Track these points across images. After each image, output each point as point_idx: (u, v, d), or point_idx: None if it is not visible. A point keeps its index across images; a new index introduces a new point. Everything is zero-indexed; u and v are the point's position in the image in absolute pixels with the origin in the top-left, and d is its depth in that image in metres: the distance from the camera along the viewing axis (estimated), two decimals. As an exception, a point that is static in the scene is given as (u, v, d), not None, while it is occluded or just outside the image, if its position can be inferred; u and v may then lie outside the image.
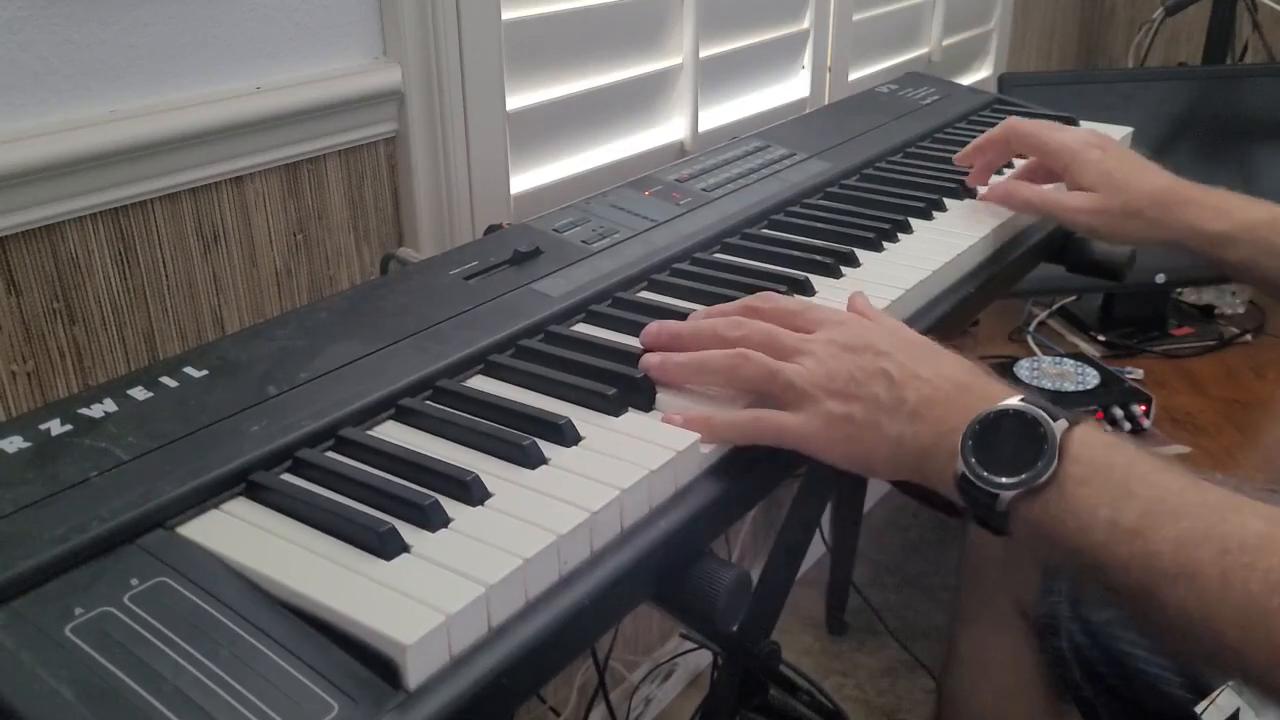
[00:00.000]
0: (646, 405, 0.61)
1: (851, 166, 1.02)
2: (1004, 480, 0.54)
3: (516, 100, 1.05)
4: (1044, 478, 0.53)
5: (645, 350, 0.64)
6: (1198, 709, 0.89)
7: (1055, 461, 0.53)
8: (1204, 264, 0.88)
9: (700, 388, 0.62)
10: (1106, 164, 0.88)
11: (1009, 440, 0.55)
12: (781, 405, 0.60)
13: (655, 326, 0.65)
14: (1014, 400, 0.56)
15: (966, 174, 0.98)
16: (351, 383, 0.60)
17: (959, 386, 0.58)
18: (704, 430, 0.57)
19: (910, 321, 0.77)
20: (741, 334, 0.62)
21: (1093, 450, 0.54)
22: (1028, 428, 0.54)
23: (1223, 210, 0.86)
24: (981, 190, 0.95)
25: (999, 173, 1.00)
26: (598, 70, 1.15)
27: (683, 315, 0.71)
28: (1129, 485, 0.52)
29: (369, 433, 0.57)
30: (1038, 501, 0.53)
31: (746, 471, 0.59)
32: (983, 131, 1.15)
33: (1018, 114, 1.23)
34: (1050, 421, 0.54)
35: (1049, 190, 0.91)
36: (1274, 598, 0.47)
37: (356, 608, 0.43)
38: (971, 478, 0.55)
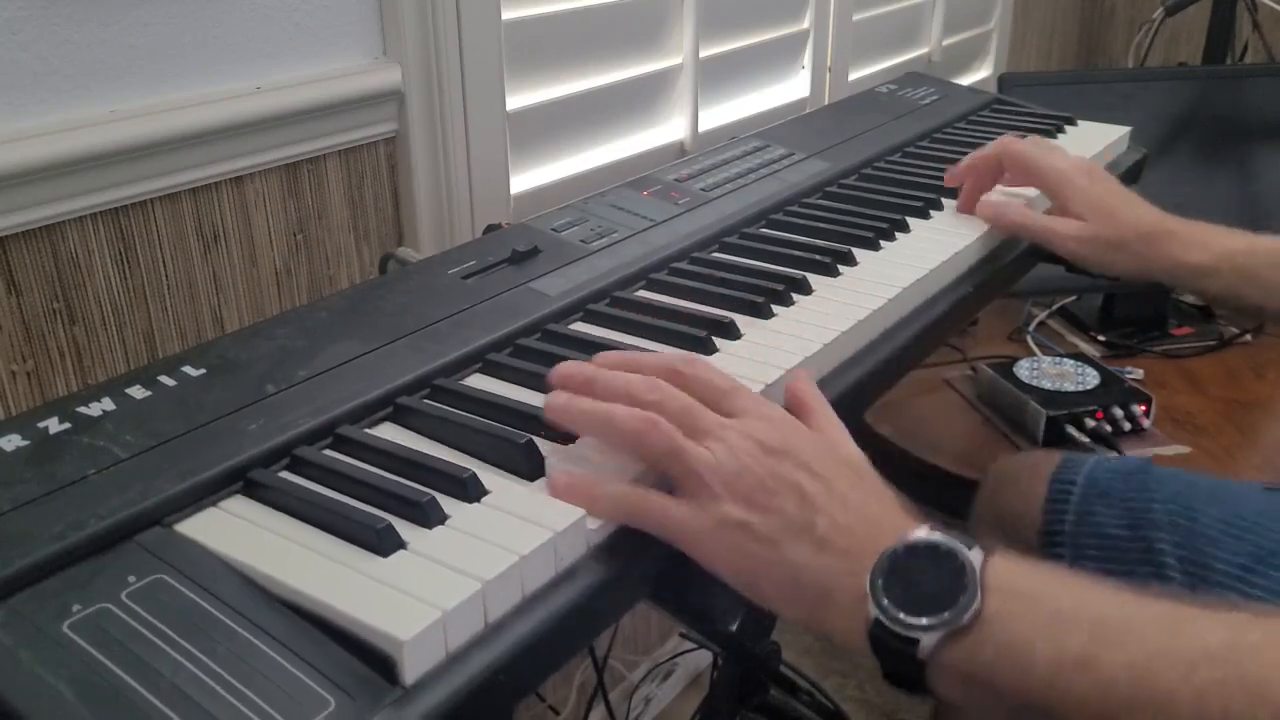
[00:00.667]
0: (532, 473, 0.54)
1: (850, 166, 1.02)
2: (924, 622, 0.48)
3: (516, 100, 1.05)
4: (968, 615, 0.47)
5: (553, 388, 0.58)
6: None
7: (978, 595, 0.48)
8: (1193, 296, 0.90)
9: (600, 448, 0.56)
10: (1095, 192, 0.88)
11: (923, 579, 0.49)
12: (679, 490, 0.53)
13: (570, 366, 0.58)
14: (924, 531, 0.50)
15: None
16: (350, 381, 0.60)
17: (872, 520, 0.52)
18: (585, 500, 0.51)
19: (910, 321, 0.77)
20: (656, 399, 0.55)
21: (1016, 578, 0.49)
22: (942, 561, 0.49)
23: (1203, 242, 0.86)
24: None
25: None
26: (598, 70, 1.15)
27: (681, 314, 0.71)
28: (1063, 611, 0.47)
29: (367, 431, 0.57)
30: (964, 644, 0.48)
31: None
32: (982, 131, 1.16)
33: (1017, 114, 1.23)
34: (966, 551, 0.49)
35: (1038, 215, 0.90)
36: (1259, 711, 0.43)
37: (353, 604, 0.43)
38: (886, 622, 0.48)
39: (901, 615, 0.48)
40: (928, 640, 0.48)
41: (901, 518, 0.53)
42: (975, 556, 0.49)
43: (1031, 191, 0.95)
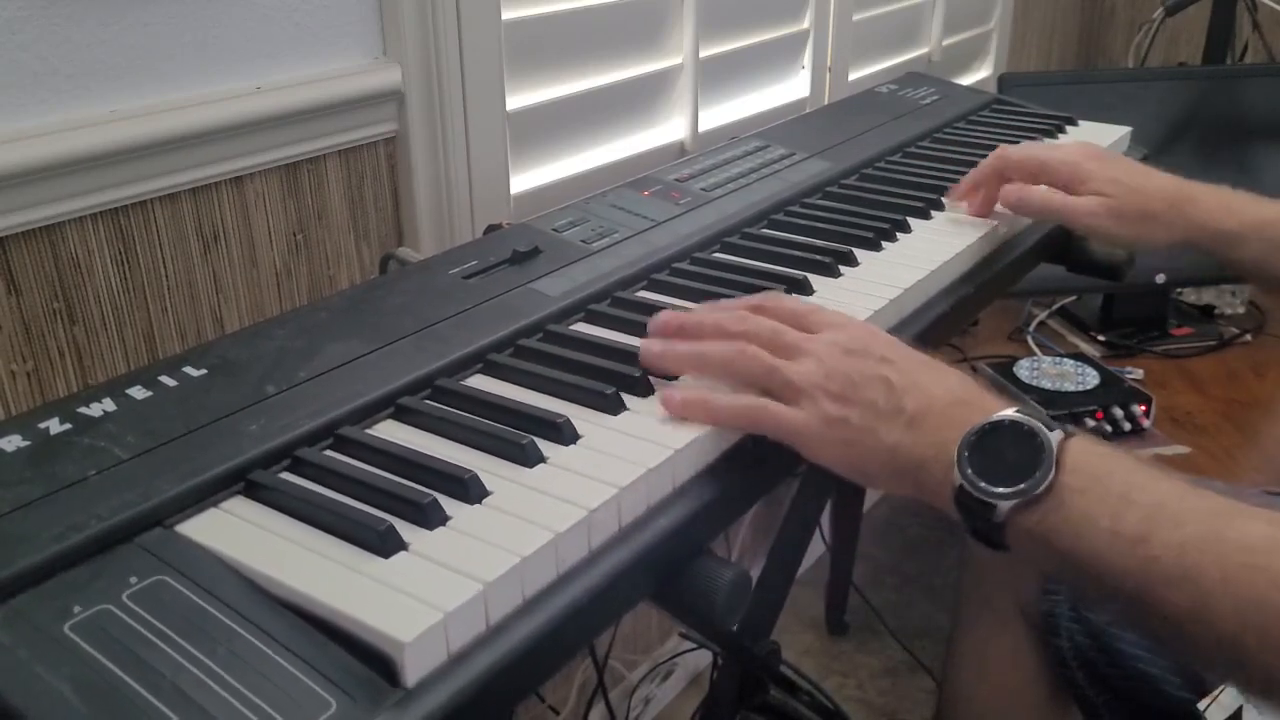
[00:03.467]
0: (644, 392, 0.60)
1: (851, 166, 1.02)
2: (1001, 490, 0.53)
3: (516, 100, 1.05)
4: (1042, 487, 0.53)
5: (651, 338, 0.64)
6: (1200, 705, 0.89)
7: (1053, 471, 0.53)
8: (1212, 262, 0.88)
9: (698, 379, 0.62)
10: (1112, 171, 0.88)
11: (1006, 451, 0.54)
12: (781, 402, 0.59)
13: (665, 315, 0.65)
14: (1010, 411, 0.56)
15: (965, 175, 0.97)
16: (350, 382, 0.60)
17: (956, 399, 0.58)
18: (702, 410, 0.58)
19: (910, 321, 0.77)
20: (744, 329, 0.62)
21: (1090, 459, 0.54)
22: (1024, 438, 0.54)
23: (1231, 208, 0.86)
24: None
25: None
26: (598, 70, 1.15)
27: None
28: (1128, 493, 0.52)
29: (368, 431, 0.57)
30: (1035, 512, 0.53)
31: (744, 470, 0.59)
32: (982, 132, 1.16)
33: (1017, 114, 1.23)
34: (1046, 432, 0.54)
35: (1061, 194, 0.89)
36: (1273, 593, 0.47)
37: (355, 605, 0.43)
38: (969, 488, 0.54)
39: (983, 484, 0.54)
40: (1004, 506, 0.53)
41: (983, 395, 0.58)
42: (1055, 436, 0.54)
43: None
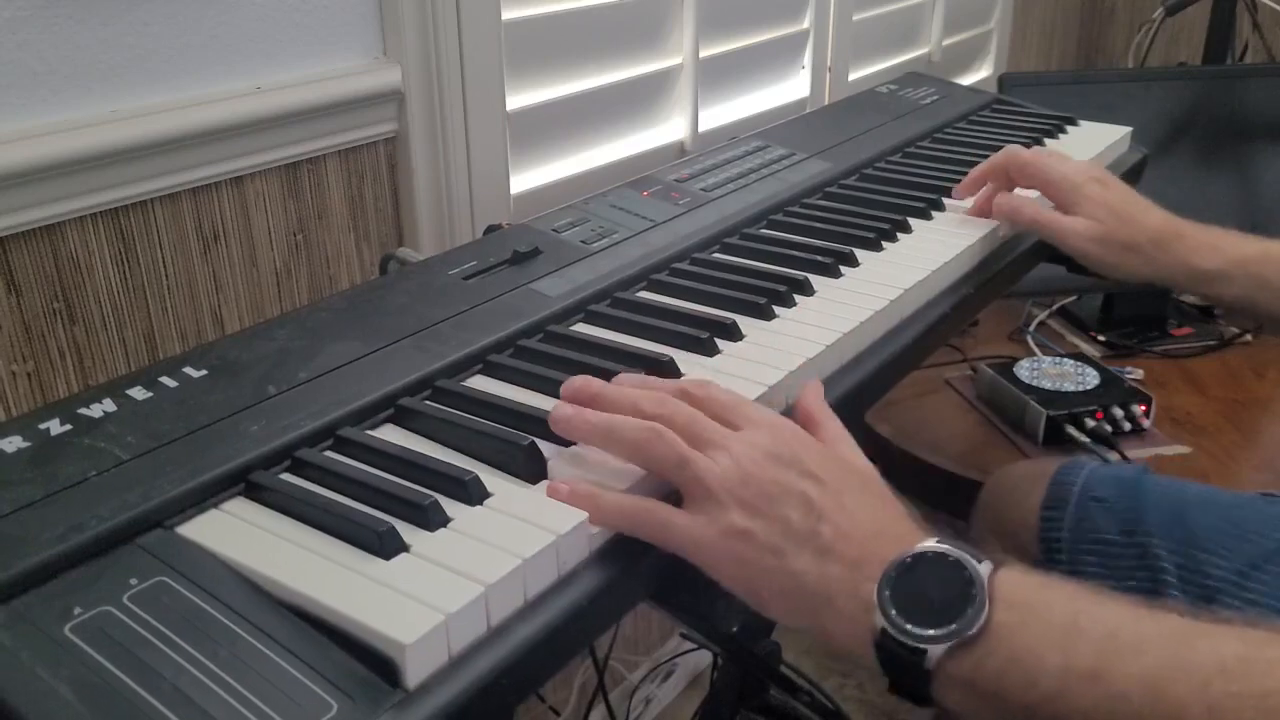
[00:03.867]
0: (534, 476, 0.54)
1: (851, 166, 1.02)
2: (931, 633, 0.47)
3: (516, 100, 1.05)
4: (976, 626, 0.47)
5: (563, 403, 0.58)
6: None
7: (986, 606, 0.47)
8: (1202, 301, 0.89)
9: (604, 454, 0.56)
10: (1109, 198, 0.87)
11: (929, 589, 0.49)
12: (684, 499, 0.53)
13: (580, 381, 0.58)
14: (931, 542, 0.50)
15: (966, 174, 0.97)
16: (351, 382, 0.60)
17: (876, 530, 0.52)
18: (590, 508, 0.51)
19: (911, 321, 0.77)
20: (663, 412, 0.55)
21: (1025, 590, 0.49)
22: (950, 572, 0.49)
23: (1216, 247, 0.86)
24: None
25: None
26: (598, 70, 1.15)
27: (681, 315, 0.71)
28: (1075, 622, 0.47)
29: (368, 432, 0.57)
30: (971, 656, 0.47)
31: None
32: (983, 132, 1.16)
33: (1017, 114, 1.23)
34: (974, 563, 0.49)
35: (1054, 213, 0.89)
36: None
37: (356, 607, 0.43)
38: (892, 632, 0.48)
39: (909, 626, 0.48)
40: (935, 651, 0.47)
41: (908, 528, 0.53)
42: (984, 568, 0.49)
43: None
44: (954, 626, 0.47)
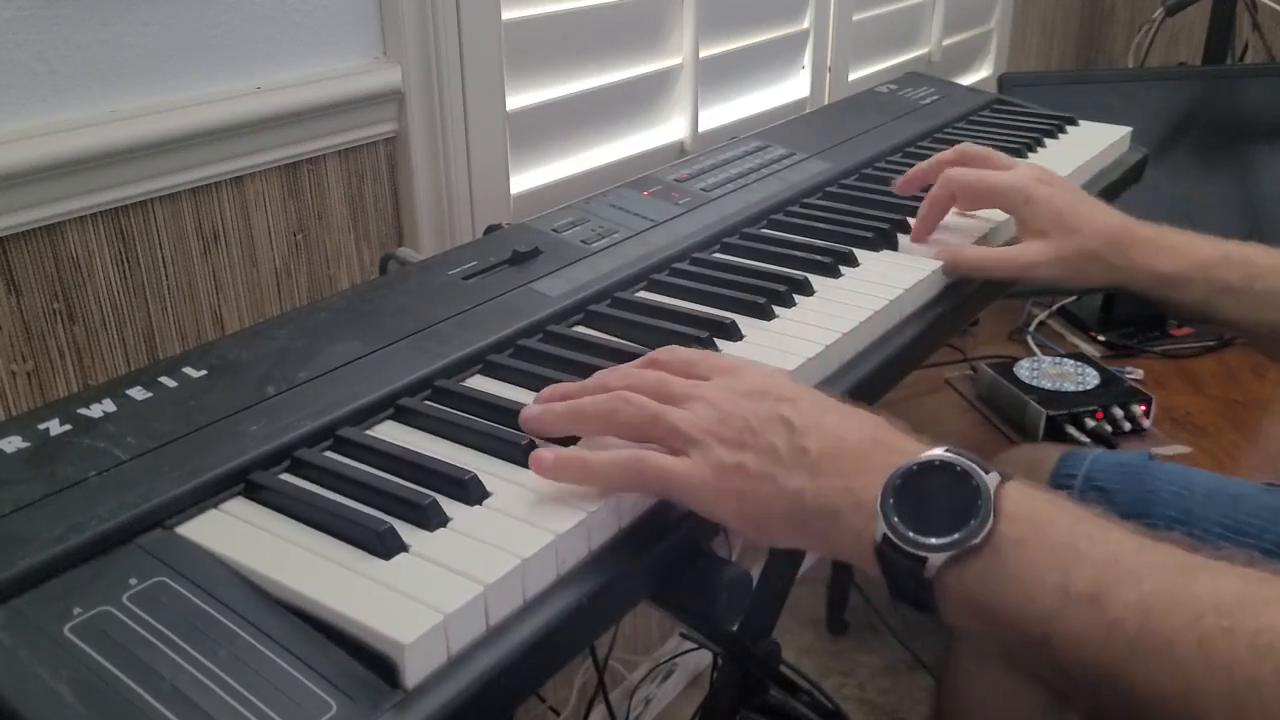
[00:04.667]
0: (523, 461, 0.54)
1: (851, 166, 1.02)
2: (933, 541, 0.47)
3: (516, 100, 1.05)
4: (979, 536, 0.46)
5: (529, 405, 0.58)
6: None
7: (991, 518, 0.47)
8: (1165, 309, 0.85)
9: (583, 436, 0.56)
10: (1058, 202, 0.83)
11: (935, 497, 0.48)
12: (669, 453, 0.53)
13: (551, 387, 0.58)
14: (940, 451, 0.50)
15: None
16: (350, 383, 0.60)
17: (870, 439, 0.52)
18: (580, 473, 0.51)
19: (911, 321, 0.77)
20: (628, 383, 0.55)
21: (1032, 506, 0.48)
22: (957, 481, 0.48)
23: (1175, 250, 0.81)
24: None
25: None
26: (598, 70, 1.15)
27: (682, 315, 0.71)
28: (1076, 544, 0.46)
29: (367, 432, 0.57)
30: (971, 567, 0.47)
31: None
32: (982, 132, 1.15)
33: (1017, 114, 1.23)
34: (982, 474, 0.48)
35: (995, 251, 0.84)
36: (1263, 664, 0.42)
37: (355, 607, 0.43)
38: (895, 539, 0.48)
39: (911, 533, 0.47)
40: (935, 559, 0.47)
41: (901, 437, 0.52)
42: (991, 479, 0.48)
43: (998, 215, 0.90)
44: (957, 536, 0.47)
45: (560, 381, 0.61)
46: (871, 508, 0.49)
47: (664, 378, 0.56)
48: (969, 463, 0.49)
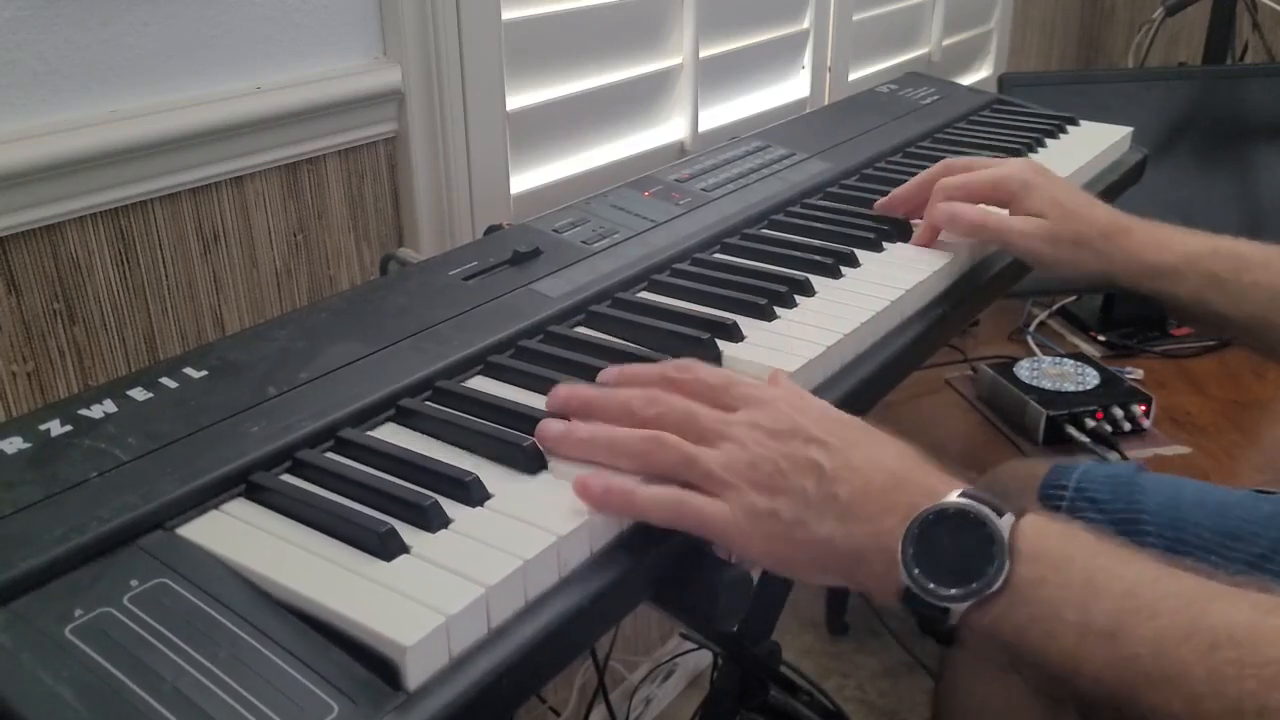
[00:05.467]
0: (535, 476, 0.54)
1: (851, 166, 1.02)
2: (952, 593, 0.49)
3: (516, 100, 1.05)
4: (996, 585, 0.48)
5: (550, 414, 0.58)
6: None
7: (1006, 564, 0.48)
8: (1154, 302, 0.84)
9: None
10: (1054, 191, 0.83)
11: (951, 544, 0.50)
12: (702, 492, 0.54)
13: (565, 391, 0.58)
14: (954, 496, 0.51)
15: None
16: (351, 383, 0.60)
17: (894, 478, 0.53)
18: (623, 502, 0.52)
19: (912, 321, 0.77)
20: (657, 413, 0.56)
21: (1047, 544, 0.50)
22: (971, 527, 0.50)
23: (1164, 242, 0.81)
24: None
25: None
26: (598, 70, 1.15)
27: (682, 315, 0.71)
28: (1093, 580, 0.48)
29: (368, 434, 0.57)
30: (993, 610, 0.49)
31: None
32: (982, 132, 1.16)
33: (1017, 114, 1.23)
34: (995, 519, 0.49)
35: (996, 214, 0.83)
36: (1272, 694, 0.44)
37: (356, 609, 0.43)
38: (916, 591, 0.50)
39: (931, 585, 0.49)
40: (957, 608, 0.49)
41: (924, 472, 0.54)
42: (1005, 523, 0.49)
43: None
44: (974, 585, 0.49)
45: (561, 380, 0.61)
46: (894, 554, 0.50)
47: (691, 410, 0.56)
48: (983, 508, 0.50)
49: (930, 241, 0.85)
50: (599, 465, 0.54)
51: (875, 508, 0.52)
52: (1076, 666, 0.47)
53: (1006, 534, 0.49)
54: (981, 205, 0.84)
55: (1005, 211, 0.85)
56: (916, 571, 0.50)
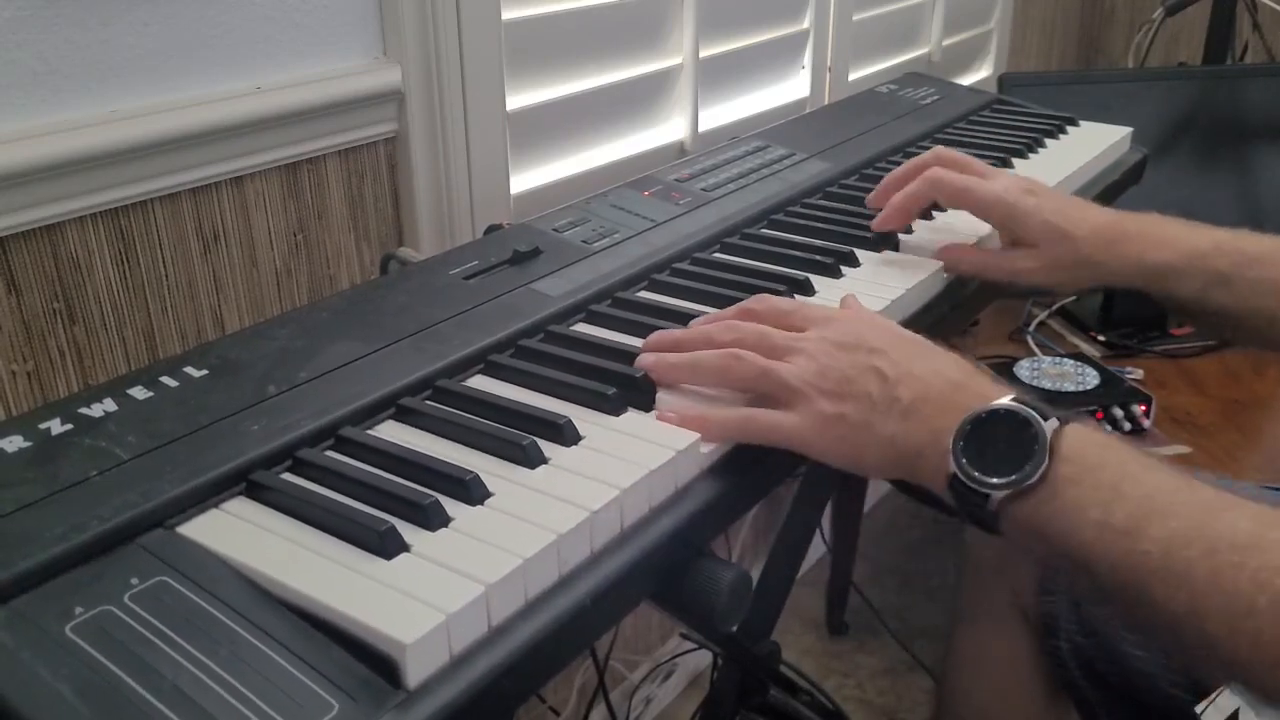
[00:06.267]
0: (647, 405, 0.61)
1: (851, 167, 1.02)
2: (994, 481, 0.54)
3: (516, 100, 1.05)
4: (1034, 478, 0.53)
5: (644, 353, 0.65)
6: (1197, 709, 0.89)
7: (1045, 461, 0.53)
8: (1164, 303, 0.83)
9: (697, 388, 0.63)
10: (1045, 211, 0.81)
11: (1000, 440, 0.55)
12: (776, 404, 0.60)
13: (658, 334, 0.66)
14: (1005, 400, 0.56)
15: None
16: (351, 382, 0.60)
17: (952, 384, 0.58)
18: (700, 428, 0.58)
19: (912, 321, 0.77)
20: (735, 336, 0.62)
21: (1084, 449, 0.54)
22: (1019, 428, 0.55)
23: (1165, 240, 0.80)
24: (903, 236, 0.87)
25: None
26: (598, 70, 1.15)
27: (682, 315, 0.71)
28: (1119, 485, 0.53)
29: (369, 432, 0.57)
30: (1028, 502, 0.54)
31: (746, 471, 0.59)
32: (982, 131, 1.16)
33: (1017, 114, 1.23)
34: (1041, 421, 0.54)
35: (992, 254, 0.84)
36: (1260, 596, 0.48)
37: (356, 607, 0.43)
38: (962, 478, 0.55)
39: (976, 473, 0.55)
40: (997, 495, 0.54)
41: (980, 380, 0.59)
42: (1049, 425, 0.54)
43: (983, 227, 0.87)
44: (1014, 477, 0.54)
45: (561, 381, 0.61)
46: (947, 447, 0.56)
47: (764, 330, 0.62)
48: (1029, 411, 0.55)
49: (898, 225, 0.86)
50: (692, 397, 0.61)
51: (933, 409, 0.57)
52: (1092, 558, 0.52)
53: (1049, 435, 0.54)
54: (980, 250, 0.85)
55: (997, 241, 0.86)
56: (963, 461, 0.55)
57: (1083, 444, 0.55)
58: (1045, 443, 0.54)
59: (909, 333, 0.63)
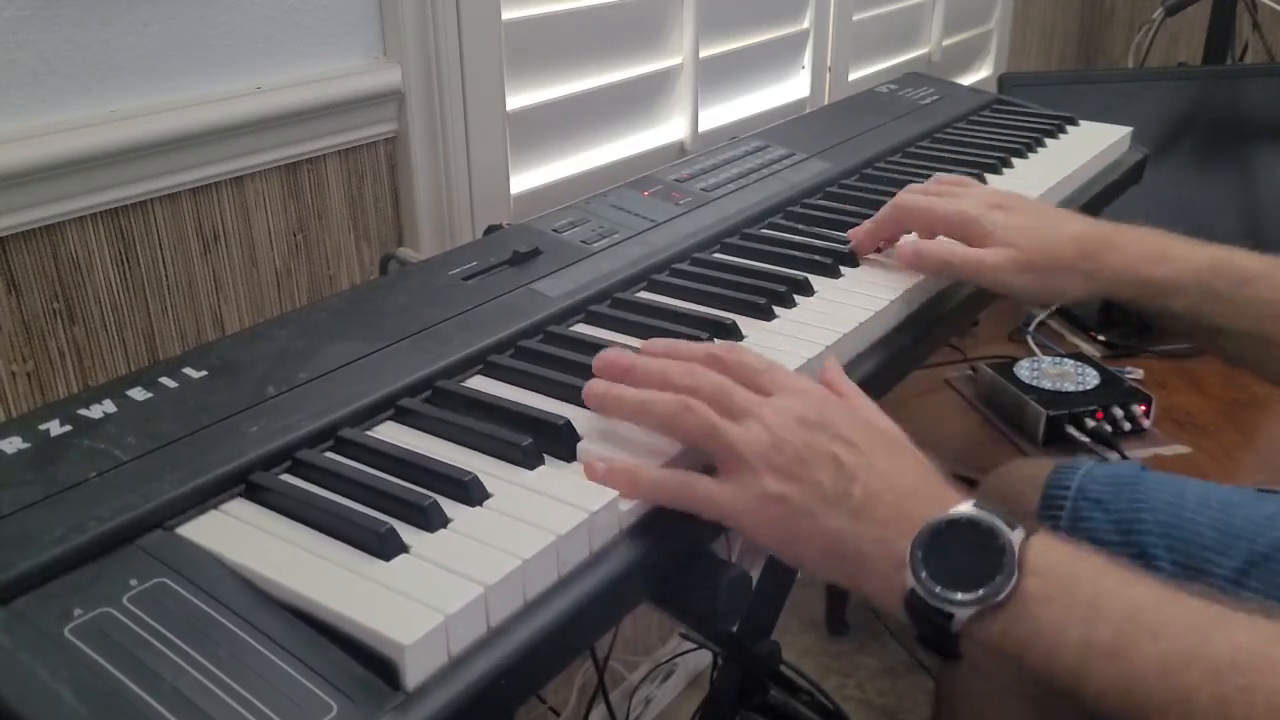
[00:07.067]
0: (568, 455, 0.55)
1: (851, 167, 1.02)
2: (959, 597, 0.49)
3: (516, 100, 1.05)
4: (1003, 594, 0.48)
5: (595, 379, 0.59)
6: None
7: (1015, 575, 0.49)
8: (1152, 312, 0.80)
9: (637, 430, 0.57)
10: (1020, 219, 0.78)
11: (961, 552, 0.50)
12: (718, 468, 0.55)
13: (611, 354, 0.60)
14: (967, 507, 0.51)
15: (970, 173, 0.96)
16: (351, 383, 0.60)
17: (910, 489, 0.53)
18: (628, 485, 0.52)
19: (913, 321, 0.77)
20: (692, 383, 0.56)
21: (1055, 562, 0.50)
22: (982, 538, 0.50)
23: (1165, 255, 0.77)
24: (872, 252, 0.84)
25: None
26: (598, 70, 1.15)
27: (682, 315, 0.71)
28: (1099, 601, 0.48)
29: (368, 433, 0.57)
30: (996, 621, 0.49)
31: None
32: (982, 132, 1.16)
33: (1017, 114, 1.23)
34: (1007, 531, 0.50)
35: (963, 248, 0.79)
36: None
37: (355, 608, 0.43)
38: (921, 593, 0.50)
39: (938, 589, 0.49)
40: (961, 614, 0.49)
41: (940, 487, 0.54)
42: (1016, 536, 0.50)
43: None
44: (981, 593, 0.49)
45: (561, 381, 0.61)
46: (902, 558, 0.50)
47: (725, 386, 0.56)
48: (994, 520, 0.50)
49: (865, 253, 0.82)
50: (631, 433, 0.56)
51: (887, 513, 0.52)
52: (1080, 684, 0.48)
53: (1017, 545, 0.49)
54: (946, 240, 0.80)
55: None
56: (924, 574, 0.50)
57: (1053, 555, 0.50)
58: (1014, 554, 0.49)
59: (885, 424, 0.58)
